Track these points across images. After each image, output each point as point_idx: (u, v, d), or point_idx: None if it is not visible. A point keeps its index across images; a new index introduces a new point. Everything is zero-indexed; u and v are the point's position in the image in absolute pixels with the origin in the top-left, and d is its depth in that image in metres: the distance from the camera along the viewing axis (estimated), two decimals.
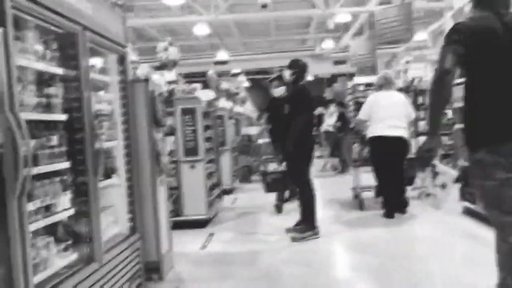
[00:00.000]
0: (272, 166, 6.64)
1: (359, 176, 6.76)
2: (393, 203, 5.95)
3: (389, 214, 5.89)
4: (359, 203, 6.62)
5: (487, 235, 4.78)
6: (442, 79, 2.49)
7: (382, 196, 6.14)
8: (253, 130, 10.98)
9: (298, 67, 5.31)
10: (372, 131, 5.97)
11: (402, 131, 5.87)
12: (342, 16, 12.41)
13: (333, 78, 19.57)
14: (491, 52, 2.48)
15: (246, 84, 21.75)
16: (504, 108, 2.45)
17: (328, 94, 19.56)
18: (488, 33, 2.49)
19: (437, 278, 3.77)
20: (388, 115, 5.86)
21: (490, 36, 2.48)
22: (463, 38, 2.47)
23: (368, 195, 6.70)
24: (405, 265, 4.12)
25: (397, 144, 5.84)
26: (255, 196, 8.29)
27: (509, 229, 2.41)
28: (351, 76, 14.89)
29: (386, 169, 5.97)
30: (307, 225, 5.17)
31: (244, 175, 10.44)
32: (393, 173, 5.96)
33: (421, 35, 13.16)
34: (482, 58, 2.48)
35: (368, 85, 9.58)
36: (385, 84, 6.15)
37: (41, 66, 2.65)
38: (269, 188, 6.31)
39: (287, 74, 5.30)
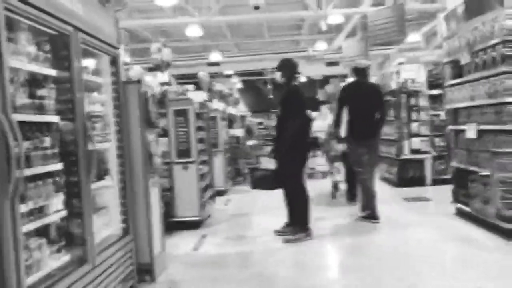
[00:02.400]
0: (265, 163, 6.52)
1: (335, 170, 7.91)
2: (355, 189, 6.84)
3: (351, 198, 7.07)
4: (334, 192, 7.81)
5: (480, 236, 4.85)
6: (337, 116, 6.07)
7: (348, 184, 7.28)
8: (239, 132, 10.97)
9: (287, 67, 5.27)
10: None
11: None
12: (335, 17, 12.41)
13: (325, 80, 19.61)
14: (353, 101, 5.96)
15: (239, 85, 21.81)
16: (358, 127, 5.88)
17: (320, 95, 19.63)
18: (353, 91, 6.13)
19: (428, 280, 3.80)
20: None
21: (354, 92, 6.07)
22: (344, 95, 6.13)
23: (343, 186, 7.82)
24: (396, 267, 4.15)
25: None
26: (248, 197, 8.30)
27: (360, 174, 5.93)
28: (343, 77, 14.93)
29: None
30: (299, 226, 5.18)
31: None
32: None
33: (414, 37, 13.22)
34: (350, 103, 5.96)
35: None
36: None
37: (34, 67, 2.65)
38: (254, 184, 6.01)
39: (278, 76, 5.27)
